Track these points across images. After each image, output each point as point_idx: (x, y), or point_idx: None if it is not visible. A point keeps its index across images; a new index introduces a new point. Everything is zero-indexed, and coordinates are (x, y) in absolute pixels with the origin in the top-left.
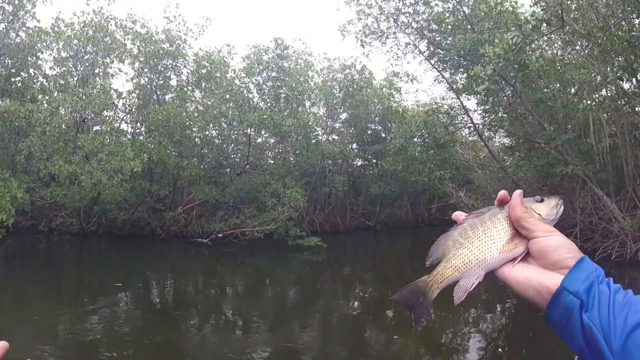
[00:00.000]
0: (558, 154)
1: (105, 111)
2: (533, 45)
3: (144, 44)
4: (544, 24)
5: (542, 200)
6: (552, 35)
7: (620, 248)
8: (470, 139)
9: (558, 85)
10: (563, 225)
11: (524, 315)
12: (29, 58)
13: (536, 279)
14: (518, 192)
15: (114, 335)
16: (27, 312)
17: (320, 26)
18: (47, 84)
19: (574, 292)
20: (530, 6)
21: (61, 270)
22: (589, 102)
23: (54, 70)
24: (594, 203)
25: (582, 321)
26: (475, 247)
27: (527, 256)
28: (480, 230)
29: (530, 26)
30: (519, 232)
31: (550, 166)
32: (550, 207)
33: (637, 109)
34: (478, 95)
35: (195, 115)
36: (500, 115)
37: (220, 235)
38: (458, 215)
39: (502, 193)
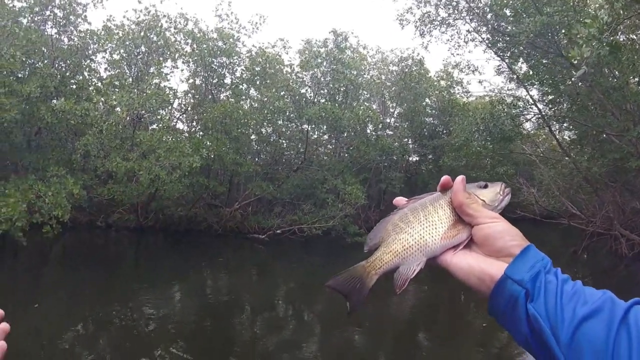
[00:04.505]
0: (631, 147)
1: (161, 109)
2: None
3: (197, 43)
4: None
5: (486, 186)
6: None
7: None
8: (532, 132)
9: (617, 72)
10: None
11: None
12: (83, 61)
13: (479, 267)
14: (460, 178)
15: (167, 327)
16: (83, 307)
17: (371, 20)
18: (101, 85)
19: (519, 280)
20: None
21: (118, 265)
22: None
23: (109, 71)
24: None
25: (527, 311)
26: (415, 232)
27: (470, 244)
28: (422, 214)
29: (621, 4)
30: (462, 218)
31: (624, 160)
32: (494, 193)
33: None
34: (541, 86)
35: (251, 112)
36: (565, 105)
37: (278, 231)
38: (399, 200)
39: (445, 178)
